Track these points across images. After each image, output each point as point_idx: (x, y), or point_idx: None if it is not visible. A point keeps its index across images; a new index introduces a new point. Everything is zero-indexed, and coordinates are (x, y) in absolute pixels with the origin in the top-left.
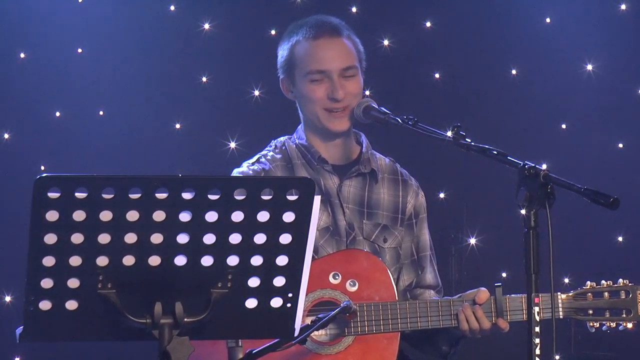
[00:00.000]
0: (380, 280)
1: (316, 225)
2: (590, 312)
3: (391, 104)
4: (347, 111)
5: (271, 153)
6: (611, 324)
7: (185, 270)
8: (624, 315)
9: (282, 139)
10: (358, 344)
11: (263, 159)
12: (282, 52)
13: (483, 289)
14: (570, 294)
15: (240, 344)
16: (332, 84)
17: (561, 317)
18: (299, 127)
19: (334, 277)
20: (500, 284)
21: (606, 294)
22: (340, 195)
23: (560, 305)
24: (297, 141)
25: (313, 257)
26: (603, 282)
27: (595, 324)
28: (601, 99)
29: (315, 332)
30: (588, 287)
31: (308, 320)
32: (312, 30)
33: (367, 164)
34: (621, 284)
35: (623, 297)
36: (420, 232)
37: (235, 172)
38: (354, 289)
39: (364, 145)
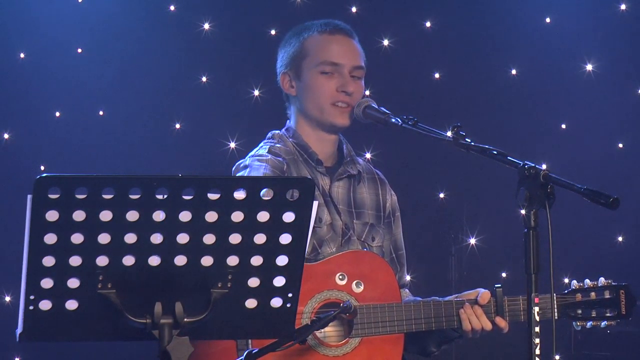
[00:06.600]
0: (385, 281)
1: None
2: (579, 311)
3: (391, 104)
4: (350, 109)
5: (278, 145)
6: (597, 322)
7: (185, 270)
8: (609, 315)
9: (277, 132)
10: (364, 346)
11: (276, 150)
12: (288, 47)
13: (484, 290)
14: (560, 295)
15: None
16: (342, 78)
17: (557, 318)
18: (290, 125)
19: (340, 278)
20: (500, 285)
21: (593, 293)
22: (332, 196)
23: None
24: (291, 140)
25: (318, 255)
26: (587, 281)
27: (582, 322)
28: (601, 99)
29: (321, 333)
30: (576, 287)
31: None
32: (328, 26)
33: (352, 166)
34: (605, 284)
35: (608, 296)
36: (396, 231)
37: (255, 161)
38: (360, 289)
39: (344, 146)
